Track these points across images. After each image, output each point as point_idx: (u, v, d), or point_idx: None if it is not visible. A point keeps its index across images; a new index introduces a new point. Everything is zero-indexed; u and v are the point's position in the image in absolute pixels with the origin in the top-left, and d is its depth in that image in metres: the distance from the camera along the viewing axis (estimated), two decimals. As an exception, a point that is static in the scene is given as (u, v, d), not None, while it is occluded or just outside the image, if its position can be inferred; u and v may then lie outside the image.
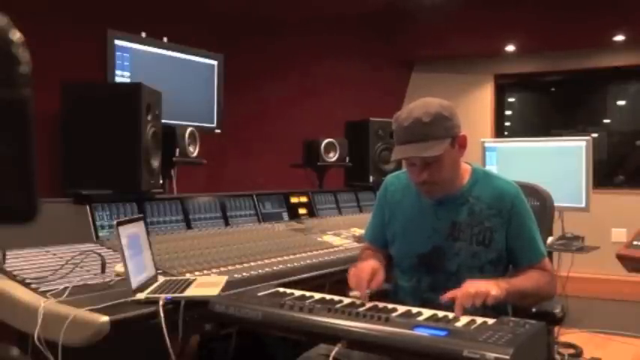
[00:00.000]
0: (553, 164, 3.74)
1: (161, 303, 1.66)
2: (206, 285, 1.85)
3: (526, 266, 1.82)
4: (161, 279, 1.93)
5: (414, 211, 1.91)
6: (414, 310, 1.58)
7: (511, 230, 1.81)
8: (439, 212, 1.86)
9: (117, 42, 3.69)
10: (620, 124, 5.93)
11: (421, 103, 1.77)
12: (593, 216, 3.79)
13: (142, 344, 1.80)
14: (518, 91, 6.40)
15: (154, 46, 3.99)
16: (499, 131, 6.08)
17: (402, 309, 1.59)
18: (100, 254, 1.96)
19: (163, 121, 2.75)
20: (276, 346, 2.55)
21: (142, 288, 1.77)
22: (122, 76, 3.73)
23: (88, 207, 2.30)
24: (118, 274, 1.89)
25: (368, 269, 1.72)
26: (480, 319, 1.47)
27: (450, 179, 1.82)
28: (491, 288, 1.59)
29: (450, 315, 1.52)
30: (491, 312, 1.56)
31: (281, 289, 1.79)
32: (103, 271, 1.93)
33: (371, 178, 3.75)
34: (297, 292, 1.74)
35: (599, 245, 3.69)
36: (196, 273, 2.06)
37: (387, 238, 1.98)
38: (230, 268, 2.17)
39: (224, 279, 1.91)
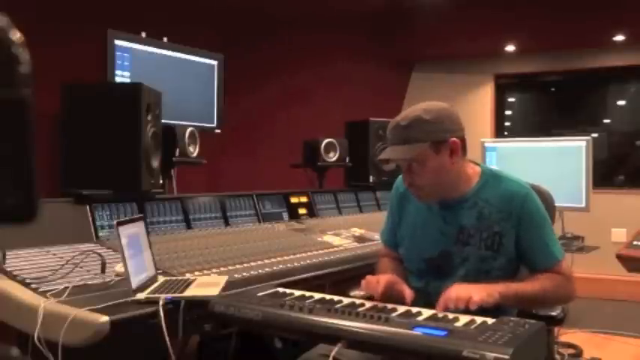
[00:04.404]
0: (553, 164, 3.74)
1: (161, 303, 1.66)
2: (206, 285, 1.85)
3: (539, 270, 1.78)
4: (161, 279, 1.93)
5: (422, 214, 1.89)
6: (414, 310, 1.58)
7: (521, 233, 1.76)
8: (447, 216, 1.83)
9: (117, 42, 3.69)
10: (620, 124, 5.93)
11: (413, 106, 1.79)
12: (593, 216, 3.79)
13: (142, 344, 1.80)
14: (518, 91, 6.40)
15: (154, 46, 4.00)
16: (499, 131, 6.08)
17: (401, 309, 1.59)
18: (100, 254, 1.96)
19: (163, 121, 2.75)
20: (276, 346, 2.55)
21: (142, 288, 1.77)
22: (122, 76, 3.73)
23: (88, 207, 2.30)
24: (118, 274, 1.89)
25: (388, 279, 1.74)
26: (479, 319, 1.47)
27: (440, 184, 1.78)
28: (475, 293, 1.57)
29: (450, 315, 1.52)
30: (492, 314, 1.55)
31: (281, 289, 1.79)
32: (103, 271, 1.93)
33: (371, 178, 3.75)
34: (297, 292, 1.74)
35: (599, 245, 3.69)
36: (196, 273, 2.06)
37: (397, 239, 1.98)
38: (230, 268, 2.17)
39: (224, 279, 1.91)
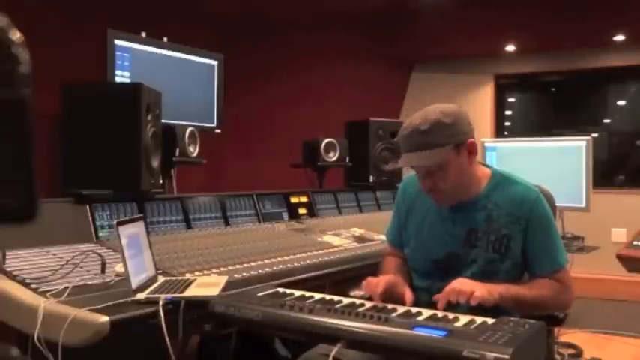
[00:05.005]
0: (553, 164, 3.74)
1: (161, 303, 1.66)
2: (206, 285, 1.85)
3: (541, 275, 1.78)
4: (161, 279, 1.93)
5: (430, 215, 1.88)
6: (414, 310, 1.58)
7: (528, 237, 1.77)
8: (456, 218, 1.83)
9: (117, 42, 3.69)
10: (620, 124, 5.93)
11: (425, 110, 1.76)
12: (593, 216, 3.79)
13: (142, 344, 1.80)
14: (518, 91, 6.41)
15: (154, 46, 3.99)
16: (499, 131, 6.08)
17: (401, 309, 1.59)
18: (100, 254, 1.96)
19: (163, 121, 2.75)
20: (276, 346, 2.55)
21: (142, 288, 1.77)
22: (122, 76, 3.73)
23: (88, 207, 2.30)
24: (118, 274, 1.89)
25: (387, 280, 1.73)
26: (479, 319, 1.47)
27: (459, 186, 1.78)
28: (477, 289, 1.59)
29: (450, 315, 1.52)
30: (493, 314, 1.55)
31: (281, 289, 1.79)
32: (103, 271, 1.93)
33: (371, 178, 3.75)
34: (297, 292, 1.74)
35: (599, 245, 3.69)
36: (196, 273, 2.06)
37: (403, 240, 1.97)
38: (230, 268, 2.17)
39: (224, 279, 1.91)
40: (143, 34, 3.94)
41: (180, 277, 1.97)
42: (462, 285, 1.60)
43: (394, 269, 1.91)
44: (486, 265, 1.78)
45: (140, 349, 1.83)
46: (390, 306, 1.62)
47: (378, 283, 1.71)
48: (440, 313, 1.54)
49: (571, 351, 3.57)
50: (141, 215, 2.17)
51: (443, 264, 1.83)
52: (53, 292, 1.70)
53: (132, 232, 1.84)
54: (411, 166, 1.80)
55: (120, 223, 1.77)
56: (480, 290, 1.58)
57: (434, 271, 1.85)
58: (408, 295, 1.71)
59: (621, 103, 5.98)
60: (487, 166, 1.91)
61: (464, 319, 1.48)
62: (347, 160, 3.78)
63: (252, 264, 2.25)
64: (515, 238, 1.77)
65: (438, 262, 1.84)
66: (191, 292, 1.78)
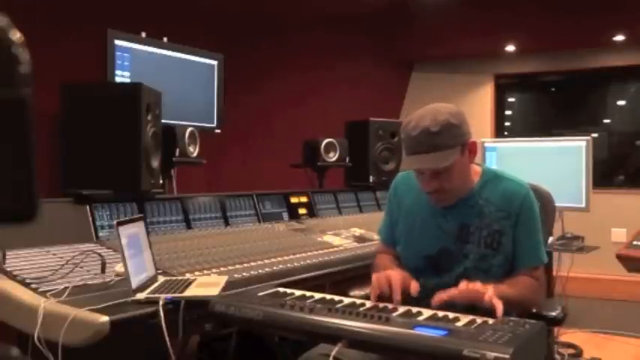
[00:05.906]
0: (553, 164, 3.74)
1: (161, 303, 1.66)
2: (206, 285, 1.85)
3: (521, 269, 1.80)
4: (161, 279, 1.93)
5: (422, 211, 1.89)
6: (414, 309, 1.58)
7: (516, 232, 1.79)
8: (448, 214, 1.84)
9: (117, 42, 3.69)
10: (620, 124, 5.93)
11: (430, 110, 1.73)
12: (593, 216, 3.79)
13: (142, 344, 1.80)
14: (518, 91, 6.40)
15: (154, 46, 3.99)
16: (499, 131, 6.08)
17: (402, 309, 1.59)
18: (100, 254, 1.96)
19: (163, 121, 2.75)
20: (276, 346, 2.55)
21: (142, 288, 1.77)
22: (122, 76, 3.73)
23: (88, 207, 2.30)
24: (118, 274, 1.89)
25: (398, 276, 1.71)
26: (480, 319, 1.47)
27: (461, 185, 1.79)
28: (487, 290, 1.58)
29: (450, 315, 1.52)
30: (489, 314, 1.55)
31: (281, 289, 1.79)
32: (103, 271, 1.93)
33: (371, 178, 3.75)
34: (297, 292, 1.74)
35: (599, 245, 3.69)
36: (196, 273, 2.06)
37: (395, 237, 1.97)
38: (230, 268, 2.17)
39: (224, 279, 1.91)
40: (143, 34, 3.94)
41: (180, 277, 1.97)
42: (475, 286, 1.60)
43: (390, 266, 1.91)
44: (479, 260, 1.79)
45: (140, 349, 1.82)
46: (390, 306, 1.62)
47: (388, 281, 1.67)
48: (440, 313, 1.54)
49: (571, 351, 3.57)
50: (141, 215, 2.17)
51: (435, 260, 1.84)
52: (53, 292, 1.70)
53: (132, 232, 1.84)
54: (422, 168, 1.76)
55: (120, 223, 1.77)
56: (489, 293, 1.58)
57: (426, 267, 1.85)
58: (414, 285, 1.70)
59: (621, 103, 5.98)
60: (478, 164, 1.92)
61: (464, 318, 1.48)
62: (347, 160, 3.78)
63: (252, 264, 2.25)
64: (506, 233, 1.79)
65: (431, 258, 1.85)
66: (191, 292, 1.78)
